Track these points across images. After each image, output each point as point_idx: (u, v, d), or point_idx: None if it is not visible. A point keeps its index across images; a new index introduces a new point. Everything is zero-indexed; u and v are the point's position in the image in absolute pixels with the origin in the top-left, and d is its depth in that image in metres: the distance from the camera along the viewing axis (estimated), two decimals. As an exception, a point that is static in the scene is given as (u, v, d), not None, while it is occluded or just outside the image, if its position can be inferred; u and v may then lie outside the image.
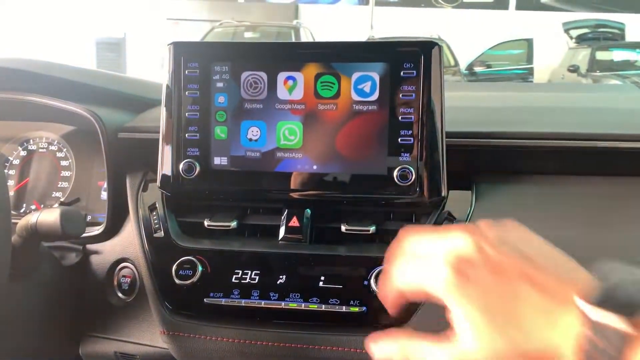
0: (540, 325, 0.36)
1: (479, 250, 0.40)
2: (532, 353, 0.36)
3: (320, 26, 9.96)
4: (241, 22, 9.06)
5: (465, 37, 9.55)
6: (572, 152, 0.78)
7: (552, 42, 9.18)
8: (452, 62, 8.87)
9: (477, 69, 8.35)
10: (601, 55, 8.30)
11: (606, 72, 7.64)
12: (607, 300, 0.34)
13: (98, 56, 9.23)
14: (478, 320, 0.38)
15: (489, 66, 8.49)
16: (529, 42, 8.66)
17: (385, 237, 0.76)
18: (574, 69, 8.05)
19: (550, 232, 0.72)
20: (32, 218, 0.70)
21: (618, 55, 8.44)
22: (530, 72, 8.50)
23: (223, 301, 0.72)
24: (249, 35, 8.35)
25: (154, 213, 0.80)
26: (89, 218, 0.92)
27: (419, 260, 0.43)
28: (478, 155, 0.81)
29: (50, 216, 0.70)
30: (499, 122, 0.83)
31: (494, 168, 0.81)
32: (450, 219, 0.74)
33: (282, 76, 0.75)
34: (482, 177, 0.79)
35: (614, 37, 9.18)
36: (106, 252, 0.85)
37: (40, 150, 0.98)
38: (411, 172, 0.72)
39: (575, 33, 9.37)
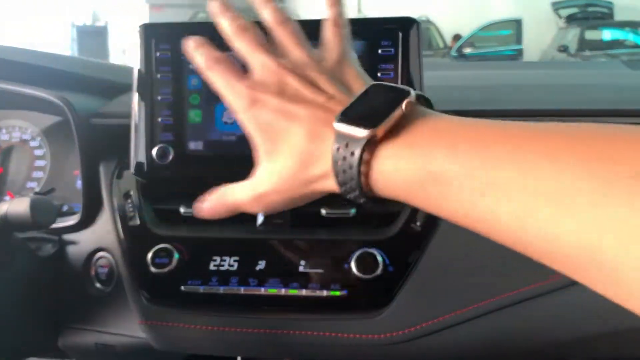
0: (311, 149, 0.39)
1: (281, 78, 0.43)
2: (307, 176, 0.40)
3: (306, 10, 9.86)
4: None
5: (454, 19, 9.51)
6: None
7: (541, 23, 9.17)
8: (441, 45, 8.84)
9: (466, 51, 8.33)
10: (590, 35, 8.31)
11: (596, 52, 7.66)
12: (353, 114, 0.37)
13: (80, 44, 9.10)
14: (263, 147, 0.43)
15: (478, 48, 8.47)
16: (517, 23, 8.64)
17: (365, 220, 0.75)
18: (563, 49, 8.06)
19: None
20: (2, 208, 0.68)
21: (607, 34, 8.44)
22: (520, 53, 8.49)
23: (201, 289, 0.71)
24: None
25: (129, 201, 0.79)
26: (65, 208, 0.90)
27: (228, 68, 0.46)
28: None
29: (20, 206, 0.68)
30: (484, 100, 0.81)
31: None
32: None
33: None
34: None
35: (603, 17, 9.18)
36: (82, 242, 0.83)
37: (14, 139, 0.95)
38: None
39: (564, 13, 9.37)
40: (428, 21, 8.92)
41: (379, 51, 0.71)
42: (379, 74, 0.71)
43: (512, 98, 0.83)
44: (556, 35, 9.04)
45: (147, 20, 0.77)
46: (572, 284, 0.66)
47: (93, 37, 9.12)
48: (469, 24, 8.85)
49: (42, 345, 0.84)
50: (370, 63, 0.71)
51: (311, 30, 0.73)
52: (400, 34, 0.71)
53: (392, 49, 0.71)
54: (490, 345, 0.67)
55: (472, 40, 8.54)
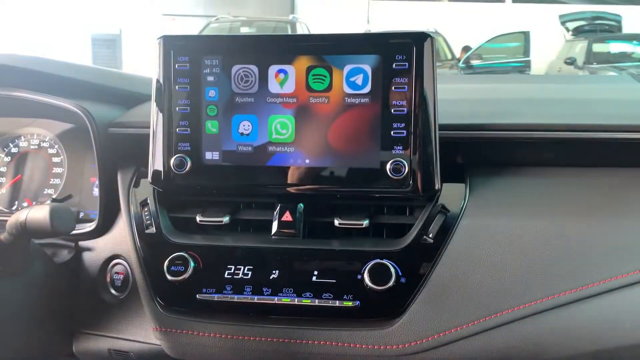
0: None
1: None
2: None
3: (316, 20, 9.92)
4: (237, 17, 9.01)
5: (462, 30, 9.53)
6: (565, 143, 0.77)
7: (549, 35, 9.16)
8: (449, 56, 8.84)
9: (474, 62, 8.32)
10: (598, 48, 8.29)
11: (603, 65, 7.63)
12: None
13: (94, 53, 9.21)
14: None
15: (486, 59, 8.46)
16: (525, 35, 8.63)
17: (378, 231, 0.76)
18: (570, 62, 8.04)
19: (544, 223, 0.72)
20: (22, 215, 0.70)
21: (615, 47, 8.42)
22: (527, 65, 8.47)
23: (215, 297, 0.72)
24: (245, 31, 8.31)
25: (146, 209, 0.80)
26: (81, 215, 0.91)
27: None
28: (472, 147, 0.80)
29: (39, 213, 0.69)
30: (493, 114, 0.82)
31: (488, 160, 0.80)
32: (444, 212, 0.73)
33: (273, 69, 0.75)
34: (476, 170, 0.78)
35: (611, 29, 9.16)
36: (98, 248, 0.84)
37: (32, 147, 0.97)
38: (404, 165, 0.72)
39: (572, 25, 9.35)
40: (436, 32, 8.95)
41: (394, 65, 0.72)
42: (393, 88, 0.72)
43: (520, 112, 0.84)
44: (563, 47, 9.03)
45: (159, 29, 0.78)
46: (586, 297, 0.67)
47: (107, 44, 9.24)
48: (477, 35, 8.86)
49: (57, 349, 0.85)
50: (385, 77, 0.72)
51: (326, 44, 0.75)
52: (415, 48, 0.72)
53: (406, 63, 0.72)
54: (503, 358, 0.68)
55: (480, 52, 8.53)
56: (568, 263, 0.69)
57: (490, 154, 0.81)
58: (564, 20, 9.34)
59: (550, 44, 9.12)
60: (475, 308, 0.68)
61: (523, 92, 1.09)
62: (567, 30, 9.30)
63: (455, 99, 0.91)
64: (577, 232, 0.71)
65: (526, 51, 8.61)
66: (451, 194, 0.75)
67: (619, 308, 0.66)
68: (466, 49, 9.03)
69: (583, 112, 0.86)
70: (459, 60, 8.66)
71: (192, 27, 9.56)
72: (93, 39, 9.35)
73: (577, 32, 9.16)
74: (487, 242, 0.71)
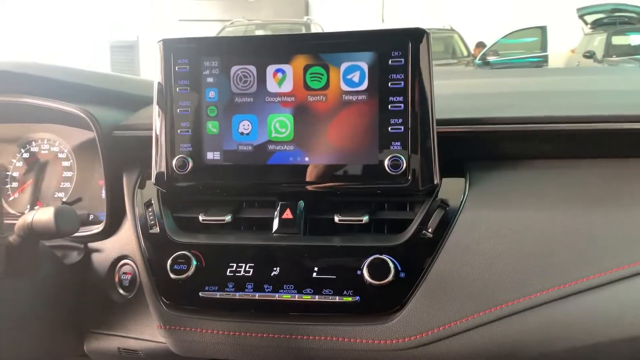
0: None
1: None
2: None
3: (331, 21, 9.94)
4: (252, 20, 9.08)
5: (477, 26, 9.44)
6: (563, 135, 0.76)
7: (566, 29, 9.03)
8: (465, 53, 8.77)
9: (491, 59, 8.23)
10: (617, 40, 8.14)
11: (623, 57, 7.49)
12: None
13: (112, 59, 9.37)
14: None
15: (502, 55, 8.37)
16: (542, 30, 8.51)
17: (378, 227, 0.76)
18: (589, 55, 7.90)
19: (544, 216, 0.72)
20: (28, 217, 0.72)
21: (635, 39, 8.26)
22: (545, 59, 8.35)
23: (218, 294, 0.73)
24: (259, 33, 8.37)
25: (150, 209, 0.81)
26: (91, 217, 0.93)
27: None
28: (471, 142, 0.80)
29: (44, 215, 0.71)
30: (491, 107, 0.82)
31: (488, 154, 0.80)
32: (443, 206, 0.73)
33: (271, 69, 0.76)
34: (476, 164, 0.78)
35: (630, 21, 8.97)
36: (107, 249, 0.86)
37: (43, 151, 0.99)
38: (402, 160, 0.72)
39: (590, 18, 9.18)
40: (452, 30, 8.90)
41: (390, 61, 0.72)
42: (389, 84, 0.72)
43: (517, 105, 0.83)
44: (582, 41, 8.88)
45: (176, 34, 0.80)
46: (586, 289, 0.66)
47: (124, 51, 9.43)
48: (494, 31, 8.77)
49: (68, 349, 0.87)
50: (381, 73, 0.73)
51: (322, 42, 0.76)
52: (410, 44, 0.72)
53: (402, 59, 0.72)
54: (503, 351, 0.67)
55: (496, 48, 8.44)
56: (568, 255, 0.68)
57: (489, 148, 0.80)
58: (582, 13, 9.18)
59: (568, 38, 8.99)
60: (475, 301, 0.68)
61: (537, 85, 1.08)
62: (586, 23, 9.15)
63: (455, 94, 0.91)
64: (577, 224, 0.70)
65: (544, 46, 8.49)
66: (451, 189, 0.75)
67: (620, 300, 0.66)
68: (480, 45, 8.94)
69: (597, 102, 0.84)
70: (474, 57, 8.58)
71: (208, 32, 9.67)
72: (111, 46, 9.52)
73: (596, 25, 9.00)
74: (486, 236, 0.70)
